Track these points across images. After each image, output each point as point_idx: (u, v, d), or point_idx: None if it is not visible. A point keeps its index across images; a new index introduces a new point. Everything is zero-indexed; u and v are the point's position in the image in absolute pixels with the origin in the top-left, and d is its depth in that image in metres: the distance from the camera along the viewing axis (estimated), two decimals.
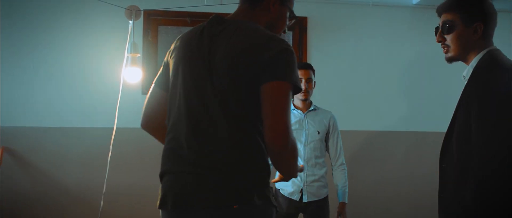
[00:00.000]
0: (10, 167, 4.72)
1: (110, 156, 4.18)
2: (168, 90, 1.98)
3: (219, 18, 1.95)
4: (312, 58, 5.16)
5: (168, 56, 2.04)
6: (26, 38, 4.84)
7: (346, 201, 3.97)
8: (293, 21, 2.14)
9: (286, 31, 2.14)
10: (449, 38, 2.26)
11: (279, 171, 1.95)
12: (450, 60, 2.31)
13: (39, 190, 4.76)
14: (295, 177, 2.00)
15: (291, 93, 1.80)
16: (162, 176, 1.92)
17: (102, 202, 4.22)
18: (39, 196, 4.75)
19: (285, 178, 2.02)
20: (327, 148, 4.04)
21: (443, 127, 2.28)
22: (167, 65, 2.03)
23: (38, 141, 4.80)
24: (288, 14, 2.09)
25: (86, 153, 4.82)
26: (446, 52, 2.30)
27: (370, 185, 5.17)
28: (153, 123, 2.08)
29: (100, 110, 4.82)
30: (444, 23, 2.27)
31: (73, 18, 4.91)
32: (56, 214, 4.76)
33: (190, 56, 1.90)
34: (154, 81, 2.10)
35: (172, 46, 2.05)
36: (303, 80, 3.92)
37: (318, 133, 3.94)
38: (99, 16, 4.90)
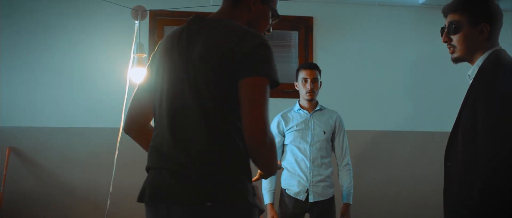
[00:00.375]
0: (16, 167, 4.74)
1: (117, 156, 4.19)
2: (152, 92, 1.99)
3: (198, 17, 1.96)
4: (318, 58, 5.16)
5: (151, 59, 2.05)
6: (32, 38, 4.86)
7: (351, 202, 3.96)
8: (276, 20, 2.12)
9: (270, 30, 2.14)
10: (455, 38, 2.26)
11: (258, 168, 1.93)
12: (456, 60, 2.30)
13: (45, 190, 4.77)
14: (274, 174, 2.01)
15: (268, 88, 1.78)
16: (147, 171, 1.95)
17: (108, 202, 4.23)
18: (45, 196, 4.76)
19: (264, 175, 2.01)
20: (333, 148, 4.04)
21: (449, 127, 2.28)
22: (150, 67, 2.04)
23: (44, 141, 4.81)
24: (270, 13, 2.07)
25: (92, 153, 4.83)
26: (452, 53, 2.29)
27: (375, 185, 5.16)
28: (136, 125, 2.09)
29: (106, 110, 4.83)
30: (450, 23, 2.26)
31: (79, 18, 4.92)
32: (62, 214, 4.77)
33: (170, 56, 1.92)
34: (137, 85, 2.11)
35: (156, 49, 2.07)
36: (309, 80, 3.92)
37: (324, 133, 3.94)
38: (105, 17, 4.91)
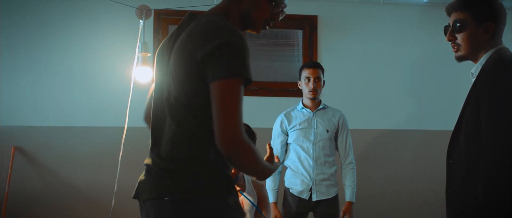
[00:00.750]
0: (21, 166, 4.75)
1: (121, 155, 4.20)
2: None
3: (191, 15, 1.94)
4: (322, 57, 5.16)
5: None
6: (35, 38, 4.88)
7: (353, 201, 3.95)
8: (281, 10, 2.00)
9: (271, 24, 2.01)
10: (459, 37, 2.25)
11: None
12: (460, 59, 2.30)
13: (50, 189, 4.79)
14: (265, 176, 1.91)
15: (238, 88, 1.67)
16: None
17: (113, 201, 4.24)
18: (50, 195, 4.78)
19: (257, 178, 1.96)
20: (336, 147, 4.04)
21: (452, 125, 2.27)
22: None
23: (49, 140, 4.83)
24: (270, 3, 1.95)
25: (97, 152, 4.84)
26: (456, 51, 2.29)
27: (379, 184, 5.16)
28: (148, 117, 2.09)
29: (111, 109, 4.84)
30: (455, 22, 2.26)
31: (84, 17, 4.94)
32: (67, 213, 4.79)
33: (161, 55, 1.94)
34: None
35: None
36: (312, 79, 3.92)
37: (327, 131, 3.94)
38: (109, 16, 4.92)
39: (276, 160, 2.11)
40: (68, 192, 4.81)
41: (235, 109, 1.66)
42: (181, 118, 1.75)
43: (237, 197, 1.83)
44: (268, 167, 1.90)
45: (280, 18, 2.04)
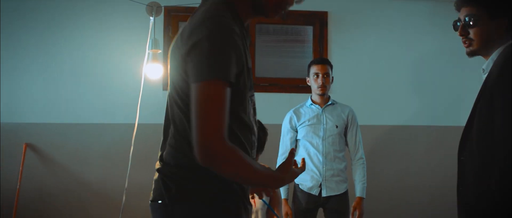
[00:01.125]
0: (33, 163, 4.78)
1: (132, 152, 4.22)
2: None
3: (202, 2, 1.82)
4: (332, 53, 5.14)
5: None
6: (48, 36, 4.90)
7: (364, 196, 3.92)
8: None
9: (287, 8, 1.81)
10: (472, 32, 2.22)
11: None
12: (471, 54, 2.28)
13: (61, 185, 4.82)
14: (267, 184, 1.78)
15: (219, 90, 1.52)
16: None
17: (124, 197, 4.26)
18: (61, 191, 4.81)
19: (252, 186, 1.87)
20: (346, 142, 4.03)
21: (463, 121, 2.25)
22: None
23: (60, 137, 4.85)
24: None
25: (108, 149, 4.86)
26: (468, 46, 2.26)
27: (389, 179, 5.14)
28: None
29: (122, 106, 4.85)
30: (467, 16, 2.24)
31: (94, 15, 4.95)
32: (79, 208, 4.81)
33: (171, 51, 1.81)
34: None
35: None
36: (320, 75, 3.91)
37: (336, 127, 3.93)
38: (120, 13, 4.94)
39: (295, 166, 1.89)
40: (79, 189, 4.84)
41: (210, 115, 1.51)
42: (178, 120, 1.70)
43: (237, 202, 1.73)
44: (267, 174, 1.72)
45: (296, 1, 1.85)
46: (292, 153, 1.85)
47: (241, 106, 1.70)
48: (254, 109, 1.84)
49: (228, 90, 1.55)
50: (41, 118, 4.84)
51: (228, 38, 1.56)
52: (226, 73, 1.53)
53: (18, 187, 4.63)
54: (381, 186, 4.99)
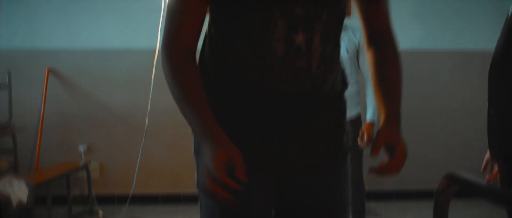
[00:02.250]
0: (55, 88, 4.82)
1: (153, 76, 4.23)
2: None
3: None
4: None
5: None
6: None
7: (375, 120, 3.61)
8: None
9: None
10: None
11: None
12: None
13: (84, 110, 4.87)
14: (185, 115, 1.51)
15: None
16: None
17: (146, 120, 4.31)
18: (84, 116, 4.86)
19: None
20: (359, 66, 3.78)
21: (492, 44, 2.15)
22: None
23: (82, 63, 4.85)
24: None
25: (130, 74, 4.86)
26: None
27: (409, 105, 5.08)
28: None
29: (143, 30, 4.79)
30: None
31: None
32: (102, 133, 4.88)
33: None
34: None
35: None
36: None
37: (347, 52, 3.67)
38: None
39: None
40: (102, 113, 4.88)
41: (168, 19, 1.46)
42: None
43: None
44: (197, 118, 1.48)
45: None
46: None
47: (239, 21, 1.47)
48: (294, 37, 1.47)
49: None
50: (62, 43, 4.82)
51: None
52: None
53: (42, 111, 4.70)
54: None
